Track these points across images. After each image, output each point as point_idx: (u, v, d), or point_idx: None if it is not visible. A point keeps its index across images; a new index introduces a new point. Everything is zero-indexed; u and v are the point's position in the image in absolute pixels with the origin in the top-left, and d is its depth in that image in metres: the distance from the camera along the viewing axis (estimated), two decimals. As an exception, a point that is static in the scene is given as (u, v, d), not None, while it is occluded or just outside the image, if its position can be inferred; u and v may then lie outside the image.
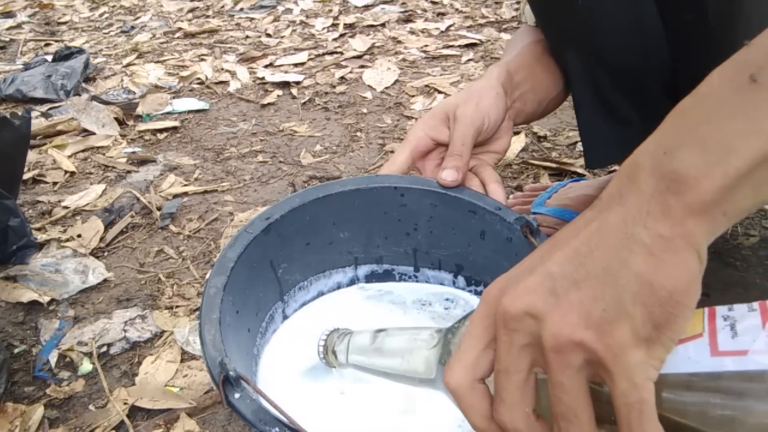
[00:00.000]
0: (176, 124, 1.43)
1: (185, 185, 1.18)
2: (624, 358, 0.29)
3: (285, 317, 0.66)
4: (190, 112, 1.50)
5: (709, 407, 0.30)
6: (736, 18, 0.59)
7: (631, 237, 0.30)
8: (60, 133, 1.40)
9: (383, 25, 1.99)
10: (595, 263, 0.31)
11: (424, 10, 2.11)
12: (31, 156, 1.29)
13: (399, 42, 1.84)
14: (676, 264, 0.29)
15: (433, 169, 0.68)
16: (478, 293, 0.67)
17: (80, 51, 1.72)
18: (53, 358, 0.80)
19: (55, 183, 1.21)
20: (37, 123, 1.38)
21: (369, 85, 1.57)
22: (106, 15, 2.34)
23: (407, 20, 2.03)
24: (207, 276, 0.92)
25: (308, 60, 1.76)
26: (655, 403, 0.30)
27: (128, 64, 1.80)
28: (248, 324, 0.59)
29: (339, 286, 0.69)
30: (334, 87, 1.58)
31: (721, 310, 0.33)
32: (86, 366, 0.78)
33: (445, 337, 0.42)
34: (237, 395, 0.44)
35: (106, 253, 1.00)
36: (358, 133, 1.34)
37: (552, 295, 0.31)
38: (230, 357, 0.47)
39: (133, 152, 1.32)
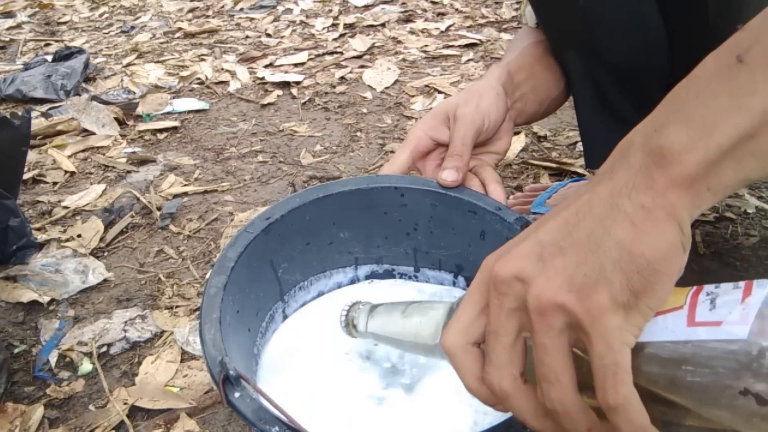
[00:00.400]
0: (176, 124, 1.43)
1: (185, 185, 1.18)
2: (601, 321, 0.31)
3: (285, 317, 0.66)
4: (190, 112, 1.50)
5: (681, 375, 0.31)
6: (735, 18, 0.59)
7: (615, 207, 0.31)
8: (60, 133, 1.40)
9: (383, 25, 1.99)
10: (581, 231, 0.32)
11: (424, 10, 2.11)
12: (31, 156, 1.29)
13: (399, 42, 1.84)
14: (656, 234, 0.30)
15: (434, 169, 0.68)
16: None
17: (80, 51, 1.72)
18: (53, 358, 0.80)
19: (55, 183, 1.21)
20: (37, 123, 1.38)
21: (369, 85, 1.57)
22: (106, 15, 2.34)
23: (407, 20, 2.03)
24: (207, 276, 0.92)
25: (308, 60, 1.76)
26: (630, 367, 0.31)
27: (128, 64, 1.80)
28: (248, 324, 0.59)
29: (339, 286, 0.69)
30: (334, 87, 1.58)
31: (707, 287, 0.33)
32: (86, 366, 0.78)
33: (451, 308, 0.45)
34: (237, 394, 0.44)
35: (106, 253, 1.00)
36: (358, 133, 1.34)
37: (539, 260, 0.33)
38: (230, 356, 0.47)
39: (133, 152, 1.32)
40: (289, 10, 2.22)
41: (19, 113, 0.94)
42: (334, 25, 2.03)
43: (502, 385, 0.35)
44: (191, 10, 2.30)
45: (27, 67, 1.72)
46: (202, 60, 1.81)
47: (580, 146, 1.22)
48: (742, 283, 0.32)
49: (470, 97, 0.67)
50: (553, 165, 1.16)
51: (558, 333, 0.32)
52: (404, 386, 0.57)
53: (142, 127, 1.42)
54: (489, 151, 0.71)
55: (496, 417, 0.53)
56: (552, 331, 0.32)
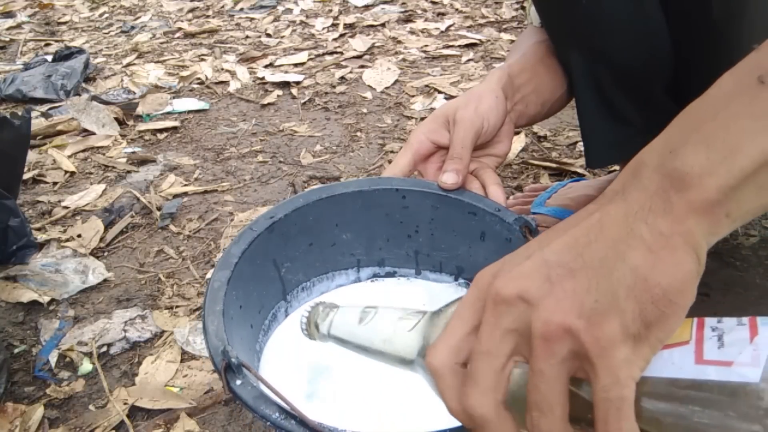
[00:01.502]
0: (176, 124, 1.43)
1: (185, 185, 1.18)
2: (610, 352, 0.29)
3: (287, 316, 0.66)
4: (190, 112, 1.49)
5: (687, 414, 0.30)
6: (740, 18, 0.59)
7: (630, 231, 0.30)
8: (60, 133, 1.40)
9: (383, 25, 1.99)
10: (593, 254, 0.30)
11: (424, 10, 2.11)
12: (31, 156, 1.29)
13: (399, 42, 1.84)
14: (673, 262, 0.29)
15: (435, 171, 0.68)
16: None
17: (80, 51, 1.72)
18: (53, 358, 0.80)
19: (55, 183, 1.21)
20: (37, 123, 1.38)
21: (369, 85, 1.57)
22: (106, 15, 2.34)
23: (407, 20, 2.03)
24: (208, 275, 0.93)
25: (308, 60, 1.76)
26: (633, 402, 0.29)
27: (128, 64, 1.80)
28: (251, 320, 0.60)
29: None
30: (334, 87, 1.58)
31: (710, 321, 0.32)
32: (86, 366, 0.78)
33: (430, 320, 0.41)
34: (238, 382, 0.45)
35: (106, 253, 1.00)
36: (358, 133, 1.34)
37: (547, 281, 0.31)
38: (233, 348, 0.48)
39: (133, 152, 1.32)
40: (289, 10, 2.22)
41: (19, 113, 0.94)
42: (334, 25, 2.03)
43: (484, 409, 0.32)
44: (191, 10, 2.30)
45: (27, 67, 1.72)
46: (202, 60, 1.81)
47: (580, 146, 1.22)
48: (745, 320, 0.31)
49: (469, 100, 0.67)
50: (553, 165, 1.16)
51: (560, 360, 0.30)
52: (406, 378, 0.57)
53: (142, 127, 1.42)
54: (490, 154, 0.71)
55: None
56: (554, 358, 0.30)
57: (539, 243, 0.33)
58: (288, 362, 0.60)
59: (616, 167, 1.01)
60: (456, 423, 0.43)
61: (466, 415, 0.34)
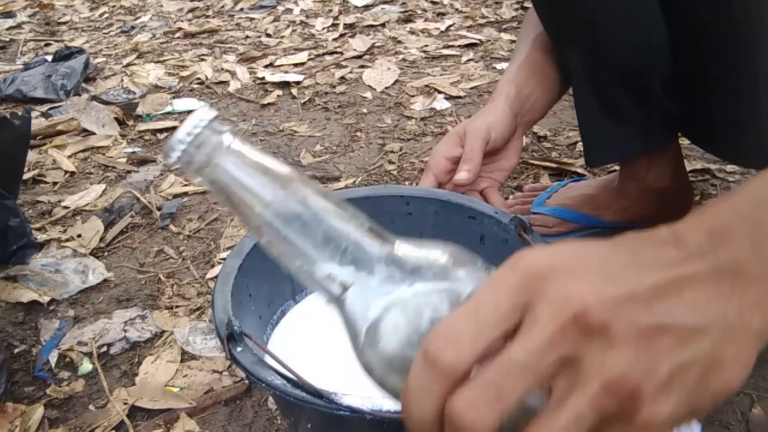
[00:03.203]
0: (176, 124, 1.43)
1: (185, 185, 1.18)
2: (649, 430, 0.26)
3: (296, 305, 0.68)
4: (190, 112, 1.49)
5: None
6: (759, 17, 0.59)
7: (725, 317, 0.27)
8: (60, 133, 1.40)
9: (383, 25, 1.99)
10: (687, 317, 0.27)
11: (424, 10, 2.11)
12: (31, 156, 1.28)
13: (399, 42, 1.84)
14: (748, 362, 0.27)
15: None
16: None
17: (80, 51, 1.72)
18: (53, 358, 0.80)
19: (55, 183, 1.21)
20: (37, 123, 1.38)
21: (369, 85, 1.57)
22: (106, 15, 2.34)
23: (407, 20, 2.03)
24: (207, 275, 0.93)
25: (308, 60, 1.76)
26: None
27: (128, 64, 1.80)
28: (260, 311, 0.62)
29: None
30: (334, 87, 1.58)
31: None
32: (86, 366, 0.78)
33: (412, 269, 0.31)
34: (239, 349, 0.48)
35: (106, 253, 1.00)
36: (358, 133, 1.34)
37: (633, 325, 0.26)
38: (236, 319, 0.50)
39: (133, 152, 1.32)
40: (289, 10, 2.22)
41: (19, 113, 0.94)
42: (334, 25, 2.03)
43: (483, 425, 0.26)
44: (191, 10, 2.30)
45: (27, 67, 1.72)
46: (202, 60, 1.81)
47: (580, 146, 1.22)
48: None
49: (479, 115, 0.76)
50: (553, 165, 1.16)
51: (603, 415, 0.26)
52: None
53: (142, 127, 1.42)
54: (498, 168, 0.78)
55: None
56: (601, 412, 0.26)
57: (624, 267, 0.28)
58: (294, 353, 0.61)
59: (616, 166, 1.01)
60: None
61: (443, 417, 0.27)
